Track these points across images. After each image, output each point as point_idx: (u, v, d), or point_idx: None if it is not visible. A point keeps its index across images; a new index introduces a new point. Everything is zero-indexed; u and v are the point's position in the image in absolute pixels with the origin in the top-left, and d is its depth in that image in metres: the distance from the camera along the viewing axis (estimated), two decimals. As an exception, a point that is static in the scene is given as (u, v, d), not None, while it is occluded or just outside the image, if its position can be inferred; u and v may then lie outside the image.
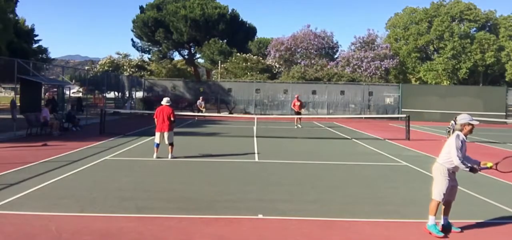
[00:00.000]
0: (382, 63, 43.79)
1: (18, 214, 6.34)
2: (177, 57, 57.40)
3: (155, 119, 11.83)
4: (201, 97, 29.70)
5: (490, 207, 7.44)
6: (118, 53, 49.97)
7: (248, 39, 55.25)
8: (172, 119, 11.62)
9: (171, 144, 11.66)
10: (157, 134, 11.71)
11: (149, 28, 50.13)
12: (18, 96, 20.35)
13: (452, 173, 5.99)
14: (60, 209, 6.59)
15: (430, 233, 5.85)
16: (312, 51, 47.59)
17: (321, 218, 6.48)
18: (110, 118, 23.37)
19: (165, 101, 11.91)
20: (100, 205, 6.96)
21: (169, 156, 11.60)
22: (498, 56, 46.93)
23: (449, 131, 18.11)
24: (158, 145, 11.69)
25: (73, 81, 36.20)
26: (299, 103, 24.02)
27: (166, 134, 11.58)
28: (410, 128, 18.81)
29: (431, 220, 5.90)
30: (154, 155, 11.62)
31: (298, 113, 23.96)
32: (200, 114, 27.13)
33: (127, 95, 36.39)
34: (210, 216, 6.42)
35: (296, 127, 23.26)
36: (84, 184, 8.43)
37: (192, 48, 54.13)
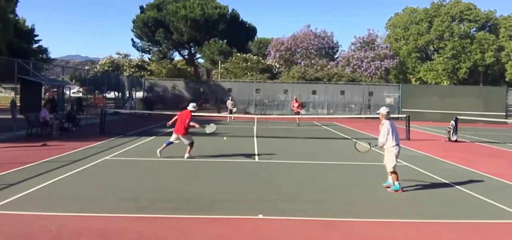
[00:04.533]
0: (382, 63, 43.77)
1: (18, 214, 6.34)
2: (177, 57, 57.46)
3: (175, 118, 12.01)
4: (230, 98, 29.81)
5: (490, 207, 7.43)
6: (118, 53, 50.07)
7: (248, 39, 55.25)
8: (187, 122, 11.59)
9: (190, 144, 11.79)
10: (174, 135, 11.87)
11: (149, 28, 50.14)
12: (18, 96, 20.33)
13: (396, 150, 8.41)
14: (60, 209, 6.60)
15: (396, 191, 8.22)
16: (312, 51, 47.57)
17: (321, 218, 6.48)
18: (110, 118, 23.37)
19: (191, 106, 12.02)
20: (100, 205, 6.96)
21: (186, 155, 11.68)
22: (498, 56, 46.93)
23: (449, 131, 18.14)
24: (169, 143, 11.85)
25: (73, 81, 36.28)
26: (297, 104, 25.46)
27: (181, 138, 11.74)
28: (410, 128, 18.80)
29: (397, 184, 8.32)
30: (186, 155, 11.63)
31: (298, 113, 25.25)
32: (230, 115, 27.55)
33: (127, 95, 36.39)
34: (210, 216, 6.43)
35: (298, 124, 24.81)
36: (84, 184, 8.43)
37: (192, 48, 54.12)
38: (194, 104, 12.30)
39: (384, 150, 8.53)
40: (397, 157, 8.36)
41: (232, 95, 31.83)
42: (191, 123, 11.59)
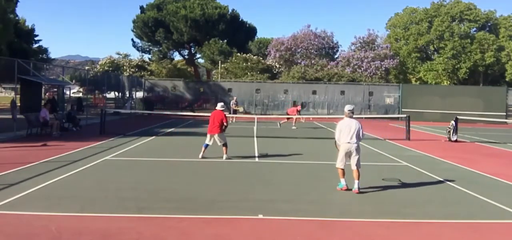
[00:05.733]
0: (382, 63, 43.78)
1: (18, 214, 6.34)
2: (177, 57, 57.44)
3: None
4: (234, 98, 29.55)
5: (490, 207, 7.43)
6: (118, 53, 50.08)
7: (248, 39, 55.22)
8: (224, 123, 11.85)
9: (224, 145, 11.86)
10: (208, 136, 11.99)
11: (149, 28, 50.12)
12: (18, 96, 20.33)
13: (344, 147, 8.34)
14: (60, 209, 6.60)
15: (341, 189, 8.25)
16: (312, 51, 47.57)
17: (321, 218, 6.48)
18: (110, 118, 23.37)
19: (219, 106, 12.18)
20: (100, 205, 6.96)
21: (224, 157, 11.75)
22: (498, 56, 46.91)
23: (449, 131, 18.13)
24: (207, 145, 11.95)
25: (73, 81, 36.21)
26: (297, 109, 24.09)
27: (216, 136, 11.82)
28: (410, 128, 18.80)
29: (342, 181, 8.33)
30: (200, 155, 11.82)
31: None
32: (236, 115, 27.35)
33: (127, 95, 36.40)
34: (210, 216, 6.43)
35: (294, 127, 23.22)
36: (84, 184, 8.43)
37: (192, 48, 54.11)
38: (222, 103, 12.50)
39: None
40: (347, 154, 8.25)
41: (235, 96, 31.66)
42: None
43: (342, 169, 8.31)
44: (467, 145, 17.39)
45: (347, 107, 8.61)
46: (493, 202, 7.68)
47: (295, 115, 23.50)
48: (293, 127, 22.90)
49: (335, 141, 8.62)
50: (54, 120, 17.58)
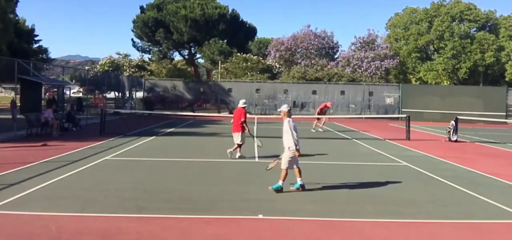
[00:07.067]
0: (382, 63, 43.79)
1: (18, 214, 6.34)
2: (177, 57, 57.51)
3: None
4: (243, 101, 28.77)
5: (490, 207, 7.43)
6: (118, 53, 50.13)
7: (248, 39, 55.26)
8: (242, 119, 11.83)
9: (239, 145, 11.85)
10: (233, 135, 12.00)
11: (149, 28, 50.15)
12: (19, 96, 20.36)
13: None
14: (60, 209, 6.60)
15: (275, 191, 7.88)
16: (312, 51, 47.60)
17: (321, 218, 6.48)
18: (110, 118, 23.37)
19: (241, 103, 12.25)
20: (100, 205, 6.96)
21: (229, 150, 11.79)
22: (498, 56, 46.94)
23: (449, 131, 18.13)
24: (239, 145, 11.94)
25: (73, 81, 36.31)
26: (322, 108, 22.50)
27: (236, 134, 11.83)
28: (410, 128, 18.79)
29: (280, 183, 8.00)
30: (237, 155, 11.86)
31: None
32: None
33: (127, 95, 36.41)
34: (210, 216, 6.43)
35: (321, 129, 21.87)
36: (85, 184, 8.43)
37: (192, 48, 54.13)
38: (244, 100, 12.50)
39: (285, 149, 8.16)
40: (294, 157, 8.02)
41: (238, 97, 31.27)
42: (245, 125, 11.75)
43: (287, 172, 8.10)
44: (467, 145, 17.39)
45: (287, 107, 8.39)
46: (493, 202, 7.68)
47: (321, 114, 21.83)
48: (319, 129, 21.57)
49: (295, 145, 8.09)
50: (54, 120, 17.58)
